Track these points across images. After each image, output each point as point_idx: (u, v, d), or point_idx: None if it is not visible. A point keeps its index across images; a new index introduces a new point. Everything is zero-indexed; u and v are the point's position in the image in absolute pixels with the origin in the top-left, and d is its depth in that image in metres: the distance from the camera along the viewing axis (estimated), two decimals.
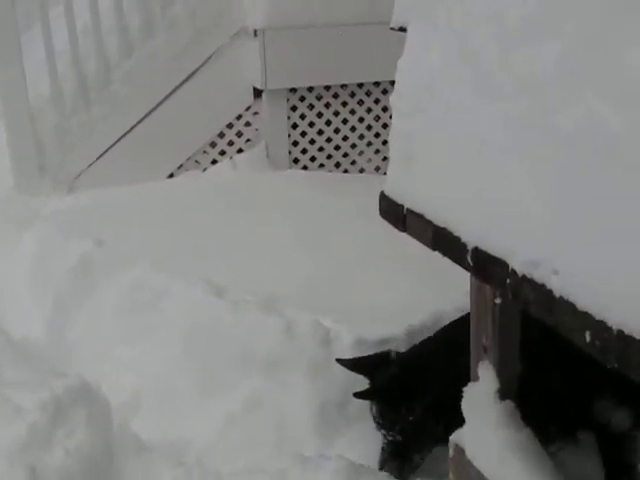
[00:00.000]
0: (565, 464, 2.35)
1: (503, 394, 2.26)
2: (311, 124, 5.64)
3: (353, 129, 5.73)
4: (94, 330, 3.83)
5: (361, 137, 5.75)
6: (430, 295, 3.34)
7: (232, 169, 5.43)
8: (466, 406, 2.32)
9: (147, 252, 4.05)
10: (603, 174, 1.44)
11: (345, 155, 5.75)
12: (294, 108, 5.58)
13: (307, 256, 3.89)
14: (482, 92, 1.80)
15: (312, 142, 5.66)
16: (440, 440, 2.73)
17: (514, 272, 1.65)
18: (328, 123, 5.67)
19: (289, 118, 5.57)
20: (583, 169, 1.49)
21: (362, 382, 2.88)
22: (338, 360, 2.97)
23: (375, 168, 5.79)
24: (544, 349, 2.42)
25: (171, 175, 5.43)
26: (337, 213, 4.43)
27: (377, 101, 5.72)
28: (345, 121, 5.70)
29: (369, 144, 5.77)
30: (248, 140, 5.59)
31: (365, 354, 2.99)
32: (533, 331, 2.20)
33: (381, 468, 2.87)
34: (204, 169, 5.49)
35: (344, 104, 5.67)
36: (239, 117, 5.56)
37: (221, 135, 5.54)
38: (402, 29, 2.16)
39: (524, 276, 1.62)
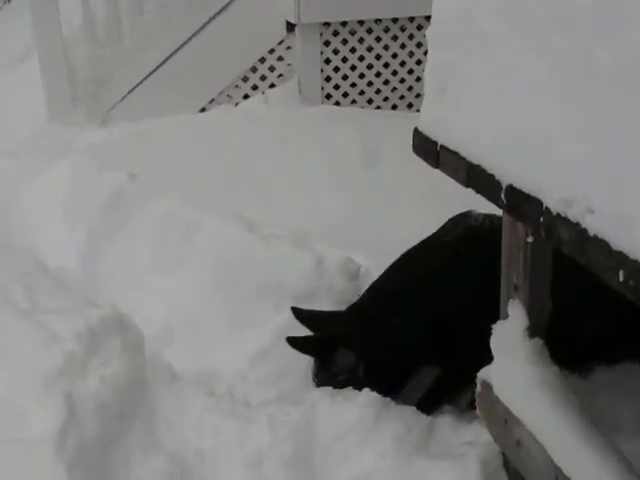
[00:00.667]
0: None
1: (532, 332, 2.27)
2: (344, 59, 5.57)
3: (386, 65, 5.66)
4: (126, 261, 3.88)
5: (394, 73, 5.68)
6: None
7: (264, 104, 5.40)
8: (495, 343, 2.33)
9: (179, 185, 4.07)
10: None
11: (378, 91, 5.69)
12: (327, 43, 5.51)
13: (338, 193, 3.89)
14: (520, 25, 1.76)
15: (345, 78, 5.61)
16: None
17: (548, 210, 1.64)
18: (361, 59, 5.60)
19: (322, 53, 5.51)
20: (621, 106, 1.46)
21: None
22: (293, 309, 2.97)
23: (408, 105, 5.74)
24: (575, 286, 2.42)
25: (203, 109, 5.43)
26: (369, 150, 4.41)
27: (411, 37, 5.64)
28: (378, 57, 5.63)
29: (402, 81, 5.71)
30: (280, 75, 5.55)
31: None
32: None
33: None
34: (236, 103, 5.48)
35: (378, 39, 5.60)
36: (272, 51, 5.51)
37: (253, 69, 5.51)
38: None
39: (558, 214, 1.60)
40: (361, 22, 5.52)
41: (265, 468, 2.59)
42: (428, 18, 2.17)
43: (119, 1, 5.17)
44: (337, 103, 5.62)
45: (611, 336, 2.69)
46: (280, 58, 5.55)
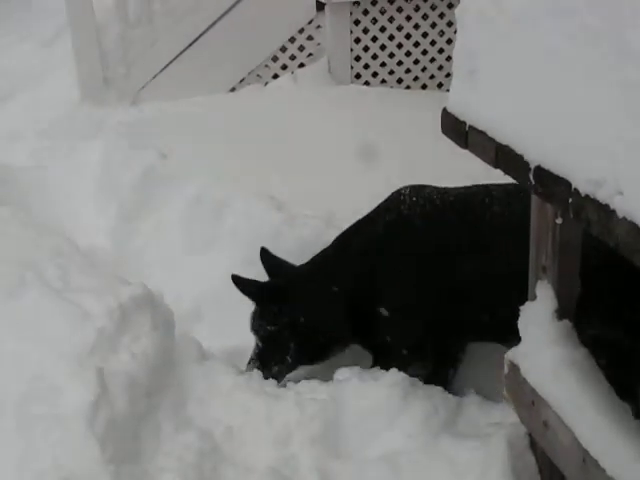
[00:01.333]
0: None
1: (561, 314, 2.26)
2: (374, 39, 5.54)
3: (416, 44, 5.62)
4: (156, 240, 3.93)
5: (424, 52, 5.64)
6: None
7: (293, 83, 5.39)
8: (523, 325, 2.33)
9: (209, 164, 4.10)
10: None
11: (408, 71, 5.66)
12: (357, 22, 5.48)
13: (367, 173, 3.89)
14: (552, 5, 1.75)
15: (374, 57, 5.58)
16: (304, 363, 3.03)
17: (577, 192, 1.64)
18: (391, 38, 5.56)
19: (352, 32, 5.48)
20: None
21: None
22: (262, 249, 3.14)
23: (438, 85, 5.70)
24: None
25: (233, 89, 5.43)
26: (398, 130, 4.39)
27: (442, 15, 5.58)
28: (408, 36, 5.59)
29: (432, 60, 5.66)
30: (310, 54, 5.54)
31: None
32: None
33: (249, 363, 3.07)
34: (265, 83, 5.48)
35: (408, 18, 5.55)
36: (301, 31, 5.49)
37: (283, 49, 5.50)
38: None
39: (587, 196, 1.60)
40: (391, 1, 5.48)
41: (293, 445, 2.62)
42: None
43: None
44: (366, 83, 5.59)
45: None
46: (310, 37, 5.53)
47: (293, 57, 5.52)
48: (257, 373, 2.95)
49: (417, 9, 5.54)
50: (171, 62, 5.28)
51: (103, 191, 4.26)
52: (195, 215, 3.86)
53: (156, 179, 4.10)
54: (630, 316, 2.52)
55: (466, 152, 2.15)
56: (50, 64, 5.58)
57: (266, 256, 3.14)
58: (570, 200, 1.67)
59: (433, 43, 5.63)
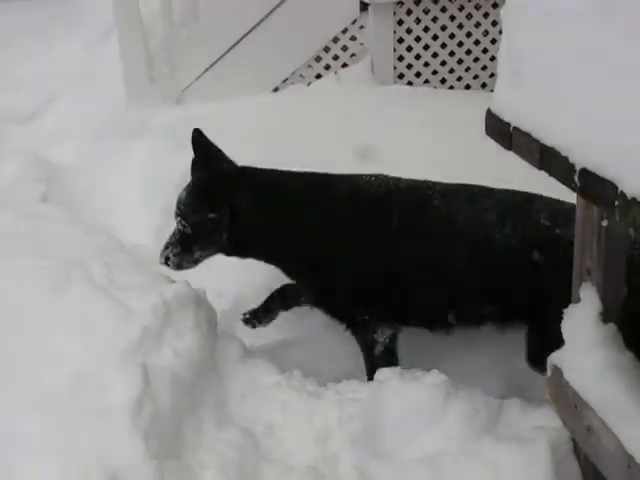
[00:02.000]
0: None
1: (606, 317, 2.24)
2: (417, 39, 5.53)
3: (460, 44, 5.59)
4: None
5: (468, 52, 5.62)
6: None
7: (336, 83, 5.40)
8: (566, 328, 2.31)
9: (251, 164, 4.10)
10: None
11: (451, 71, 5.63)
12: (400, 22, 5.47)
13: (410, 174, 3.87)
14: (600, 4, 1.73)
15: (418, 57, 5.57)
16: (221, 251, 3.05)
17: (623, 194, 1.62)
18: (435, 38, 5.55)
19: (395, 32, 5.48)
20: None
21: None
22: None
23: (481, 85, 5.67)
24: None
25: (276, 89, 5.46)
26: (443, 130, 4.38)
27: (486, 15, 5.55)
28: (452, 36, 5.57)
29: (476, 60, 5.64)
30: (353, 54, 5.54)
31: None
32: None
33: (165, 249, 3.06)
34: (308, 83, 5.50)
35: (452, 18, 5.53)
36: (345, 31, 5.50)
37: (326, 49, 5.51)
38: None
39: (634, 198, 1.58)
40: (435, 1, 5.47)
41: (332, 445, 2.63)
42: None
43: None
44: (409, 83, 5.58)
45: None
46: (353, 37, 5.54)
47: (336, 57, 5.53)
48: (298, 371, 2.96)
49: (461, 9, 5.51)
50: (215, 62, 5.33)
51: (148, 190, 4.31)
52: None
53: None
54: None
55: (511, 153, 2.14)
56: (97, 64, 5.67)
57: (201, 140, 3.04)
58: (616, 202, 1.65)
59: (477, 43, 5.60)
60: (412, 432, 2.64)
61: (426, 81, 5.61)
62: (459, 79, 5.65)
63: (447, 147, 4.17)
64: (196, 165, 3.03)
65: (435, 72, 5.62)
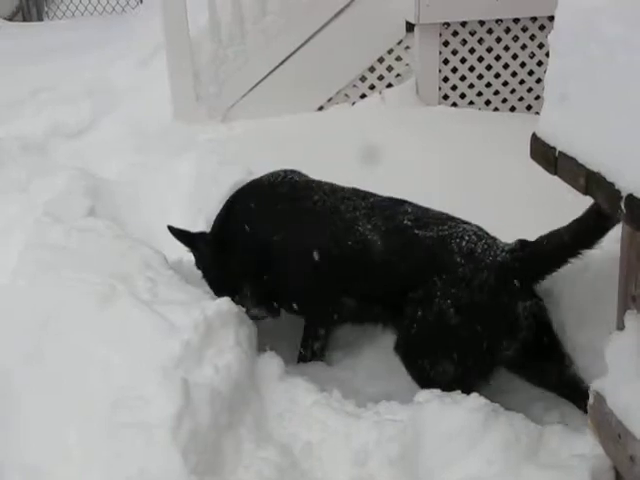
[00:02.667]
0: None
1: None
2: (463, 60, 5.53)
3: (506, 66, 5.58)
4: None
5: (514, 74, 5.60)
6: None
7: (381, 104, 5.42)
8: (610, 355, 2.28)
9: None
10: None
11: (496, 93, 5.62)
12: (446, 43, 5.48)
13: (453, 194, 3.87)
14: None
15: (463, 79, 5.57)
16: None
17: None
18: (480, 59, 5.54)
19: (440, 53, 5.49)
20: None
21: None
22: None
23: (527, 107, 5.64)
24: None
25: (321, 108, 5.50)
26: (486, 152, 4.36)
27: (533, 37, 5.53)
28: (498, 58, 5.56)
29: (522, 82, 5.62)
30: (398, 75, 5.56)
31: None
32: None
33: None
34: (353, 103, 5.53)
35: (498, 40, 5.53)
36: (390, 51, 5.53)
37: (371, 69, 5.54)
38: None
39: None
40: (482, 22, 5.46)
41: (370, 466, 2.62)
42: (551, 18, 2.15)
43: (243, 2, 5.31)
44: (454, 104, 5.58)
45: None
46: (398, 58, 5.56)
47: (381, 77, 5.56)
48: (337, 391, 2.96)
49: (507, 31, 5.50)
50: (261, 81, 5.39)
51: (192, 205, 4.36)
52: None
53: None
54: None
55: (556, 178, 2.13)
56: (146, 81, 5.76)
57: (175, 230, 3.53)
58: None
59: (523, 65, 5.58)
60: (451, 456, 2.62)
61: (471, 102, 5.61)
62: (504, 101, 5.63)
63: (491, 169, 4.15)
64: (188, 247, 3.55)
65: (480, 94, 5.61)
